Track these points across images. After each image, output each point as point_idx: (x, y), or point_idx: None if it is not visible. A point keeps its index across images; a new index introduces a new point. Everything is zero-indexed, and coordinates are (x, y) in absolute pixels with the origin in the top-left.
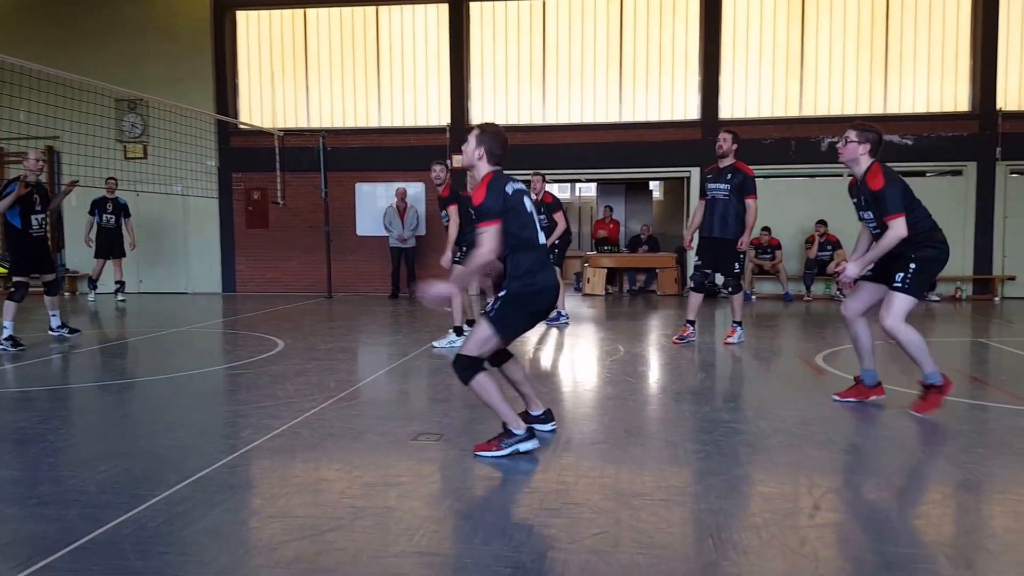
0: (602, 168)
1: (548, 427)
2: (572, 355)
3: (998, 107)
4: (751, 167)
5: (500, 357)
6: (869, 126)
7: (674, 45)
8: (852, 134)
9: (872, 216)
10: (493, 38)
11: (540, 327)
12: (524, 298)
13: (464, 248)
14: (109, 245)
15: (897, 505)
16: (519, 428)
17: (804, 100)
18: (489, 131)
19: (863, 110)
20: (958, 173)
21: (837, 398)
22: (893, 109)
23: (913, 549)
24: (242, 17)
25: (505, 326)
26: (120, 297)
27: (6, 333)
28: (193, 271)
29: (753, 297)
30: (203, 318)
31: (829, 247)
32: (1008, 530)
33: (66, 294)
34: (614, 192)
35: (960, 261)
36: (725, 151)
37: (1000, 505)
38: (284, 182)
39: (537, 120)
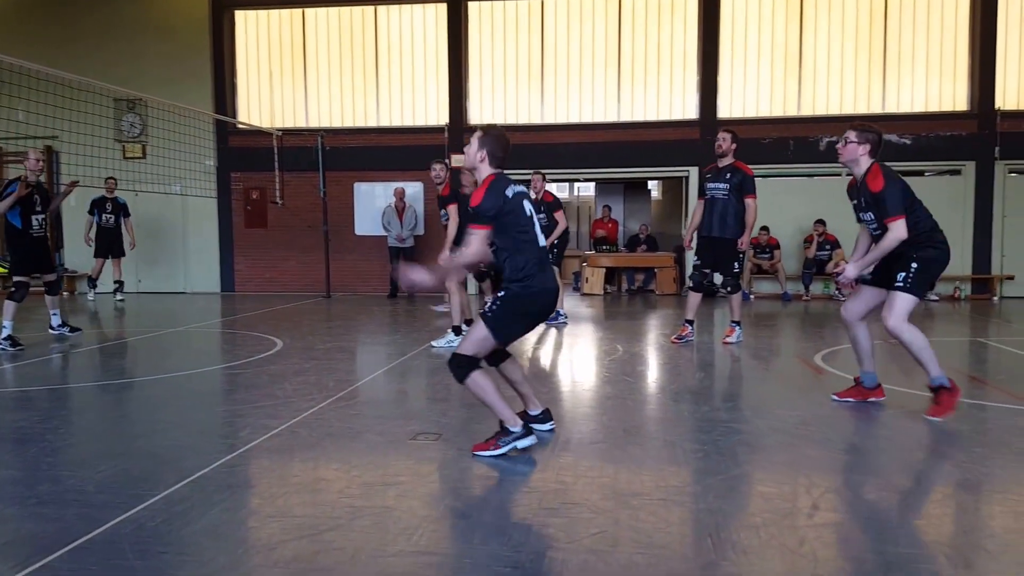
0: (600, 168)
1: (547, 427)
2: (571, 355)
3: (997, 106)
4: (750, 167)
5: (498, 357)
6: (869, 126)
7: (672, 44)
8: (852, 134)
9: (872, 217)
10: (492, 38)
11: (539, 327)
12: (522, 299)
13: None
14: (109, 245)
15: (896, 505)
16: (515, 425)
17: (802, 99)
18: (491, 133)
19: (862, 109)
20: (957, 172)
21: (836, 398)
22: (892, 108)
23: (912, 549)
24: (240, 17)
25: (502, 327)
26: (119, 297)
27: (5, 333)
28: (192, 271)
29: (751, 297)
30: (201, 318)
31: (828, 246)
32: (1007, 530)
33: (65, 293)
34: (612, 192)
35: (959, 261)
36: (724, 150)
37: (999, 505)
38: (283, 182)
39: (536, 120)
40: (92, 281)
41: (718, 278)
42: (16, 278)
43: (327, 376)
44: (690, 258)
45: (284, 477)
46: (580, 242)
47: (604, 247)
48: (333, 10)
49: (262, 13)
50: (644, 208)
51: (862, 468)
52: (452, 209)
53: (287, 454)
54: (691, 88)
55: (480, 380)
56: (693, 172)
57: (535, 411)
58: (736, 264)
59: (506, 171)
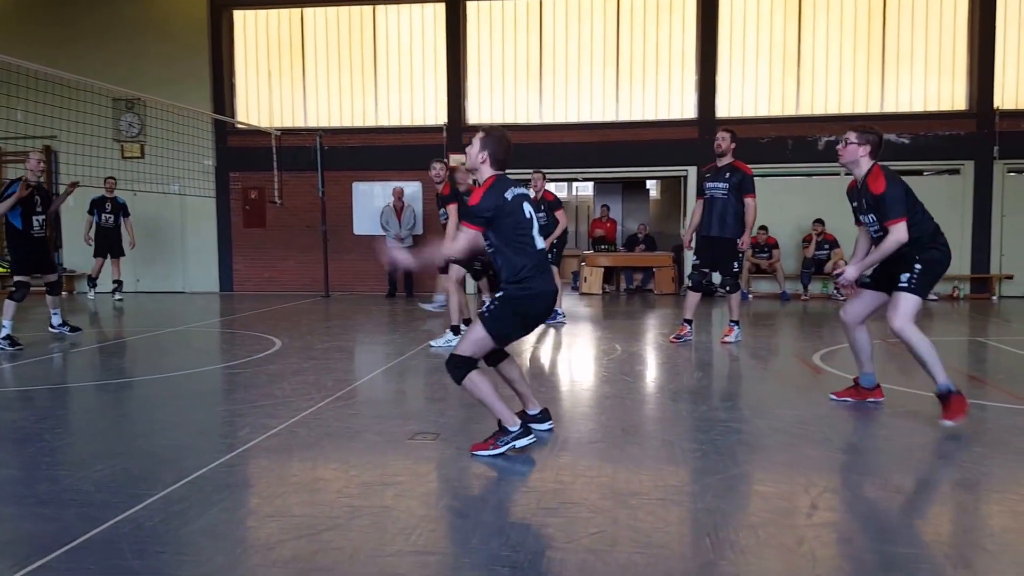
0: (599, 167)
1: (545, 426)
2: (569, 354)
3: (995, 106)
4: (749, 166)
5: (496, 356)
6: (869, 128)
7: (671, 44)
8: (852, 136)
9: (874, 220)
10: (490, 37)
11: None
12: (520, 302)
13: None
14: (108, 244)
15: (895, 504)
16: (514, 425)
17: (801, 99)
18: (493, 135)
19: (860, 109)
20: (955, 172)
21: (834, 397)
22: (890, 108)
23: (911, 548)
24: (239, 16)
25: (499, 329)
26: (117, 296)
27: (4, 332)
28: (190, 270)
29: (750, 296)
30: (200, 317)
31: (826, 246)
32: (1007, 529)
33: (64, 293)
34: (611, 191)
35: (958, 260)
36: (724, 150)
37: (998, 504)
38: (281, 181)
39: (534, 119)
40: (92, 281)
41: (717, 277)
42: (17, 278)
43: (325, 376)
44: (689, 258)
45: (283, 477)
46: (579, 242)
47: (602, 246)
48: (332, 10)
49: (261, 13)
50: (642, 208)
51: (861, 467)
52: (452, 209)
53: (286, 454)
54: (690, 87)
55: (478, 381)
56: (692, 172)
57: (533, 410)
58: (735, 264)
59: (505, 171)
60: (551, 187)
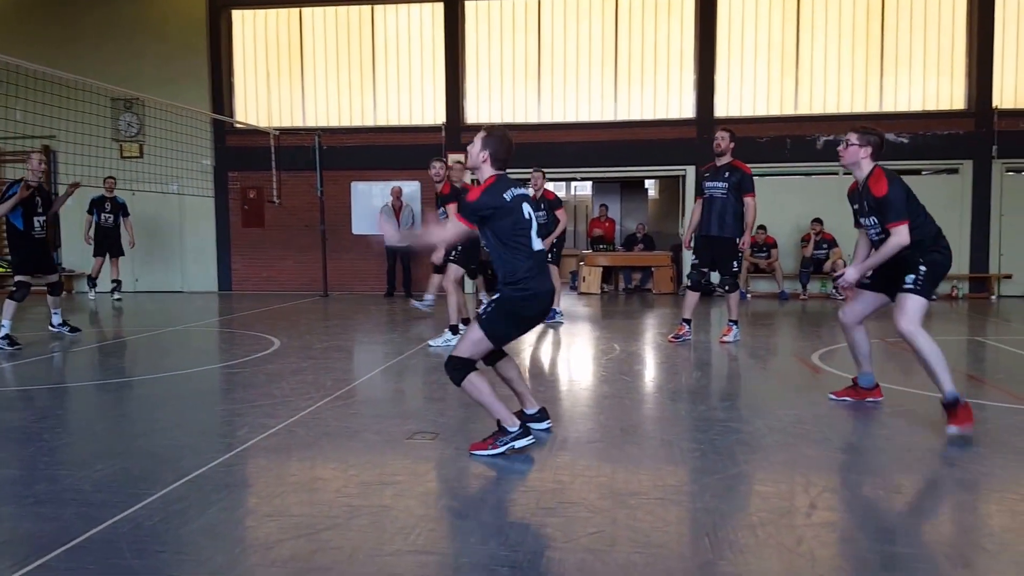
0: (597, 167)
1: (543, 425)
2: (568, 354)
3: (994, 105)
4: (748, 165)
5: (494, 356)
6: (871, 129)
7: (669, 43)
8: (853, 137)
9: (875, 222)
10: (488, 37)
11: (536, 326)
12: (517, 303)
13: (459, 247)
14: (108, 244)
15: (894, 504)
16: (513, 425)
17: (799, 98)
18: (495, 135)
19: (859, 108)
20: (954, 171)
21: (833, 397)
22: (889, 107)
23: (910, 548)
24: (238, 16)
25: (497, 330)
26: (116, 296)
27: (3, 332)
28: (189, 270)
29: (748, 296)
30: (199, 317)
31: (825, 245)
32: (1006, 529)
33: (64, 293)
34: (609, 191)
35: (956, 259)
36: (723, 149)
37: (998, 504)
38: (280, 181)
39: (532, 119)
40: (92, 280)
41: (715, 277)
42: (17, 278)
43: (324, 375)
44: (687, 257)
45: (281, 476)
46: (577, 241)
47: (601, 246)
48: (330, 9)
49: (259, 13)
50: (641, 207)
51: (860, 467)
52: (452, 208)
53: (284, 453)
54: (688, 87)
55: (477, 382)
56: (690, 171)
57: (531, 410)
58: (735, 263)
59: (506, 170)
60: (549, 187)
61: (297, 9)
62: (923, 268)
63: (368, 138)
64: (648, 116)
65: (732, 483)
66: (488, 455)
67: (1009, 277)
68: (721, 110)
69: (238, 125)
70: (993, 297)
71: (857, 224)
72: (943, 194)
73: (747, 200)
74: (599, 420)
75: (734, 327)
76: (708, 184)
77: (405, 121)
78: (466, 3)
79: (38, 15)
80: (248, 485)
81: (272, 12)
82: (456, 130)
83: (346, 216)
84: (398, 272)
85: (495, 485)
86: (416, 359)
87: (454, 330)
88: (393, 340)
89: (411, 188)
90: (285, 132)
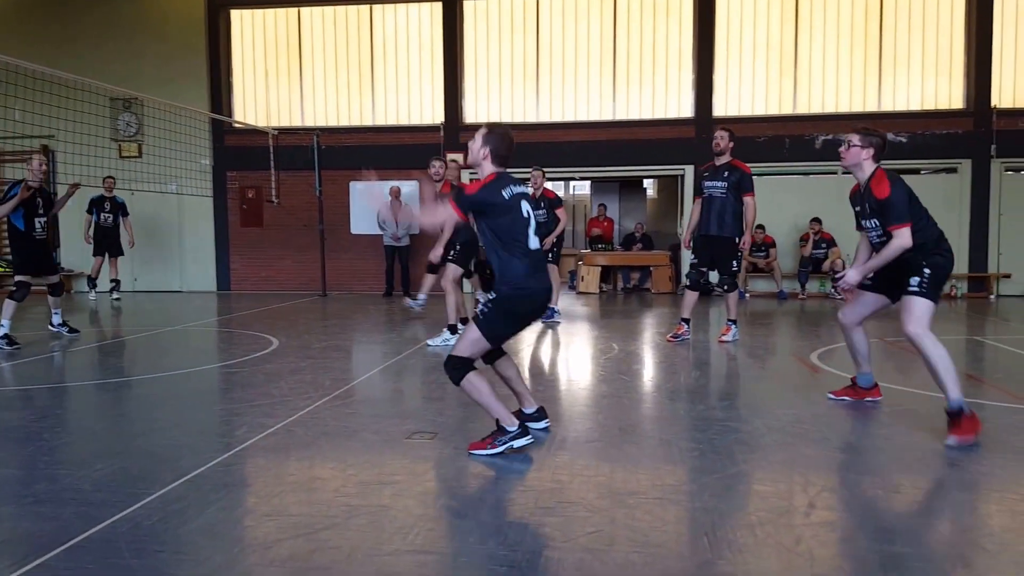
0: (596, 166)
1: (541, 425)
2: (566, 353)
3: (993, 104)
4: (747, 165)
5: (493, 354)
6: (873, 130)
7: (667, 43)
8: (855, 138)
9: (876, 224)
10: (487, 36)
11: (535, 326)
12: (513, 301)
13: (457, 246)
14: (107, 243)
15: (893, 503)
16: (512, 425)
17: (798, 98)
18: (496, 132)
19: (857, 107)
20: (953, 171)
21: (832, 396)
22: (887, 106)
23: (909, 548)
24: (236, 16)
25: (495, 328)
26: (115, 296)
27: (2, 331)
28: (188, 270)
29: (747, 295)
30: (198, 316)
31: (823, 245)
32: (1005, 529)
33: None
34: (608, 190)
35: (955, 259)
36: (722, 149)
37: (997, 504)
38: (278, 181)
39: (531, 118)
40: (91, 280)
41: (714, 276)
42: (18, 277)
43: (323, 375)
44: (686, 257)
45: (280, 476)
46: (576, 241)
47: (600, 246)
48: (329, 9)
49: (258, 12)
50: (640, 207)
51: (859, 466)
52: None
53: (283, 453)
54: (686, 86)
55: (476, 381)
56: (689, 170)
57: (529, 409)
58: (734, 263)
59: (507, 168)
60: (548, 185)
61: (296, 9)
62: (927, 271)
63: (367, 138)
64: (647, 116)
65: (731, 482)
66: (487, 455)
67: (1008, 276)
68: (720, 110)
69: (237, 125)
70: (992, 296)
71: (859, 227)
72: (942, 194)
73: (747, 199)
74: (598, 420)
75: (733, 326)
76: (707, 183)
77: (404, 121)
78: (464, 3)
79: (37, 15)
80: (247, 485)
81: (271, 12)
82: (455, 130)
83: (345, 216)
84: (396, 272)
85: (494, 485)
86: (415, 359)
87: (453, 330)
88: (392, 340)
89: (410, 188)
90: (284, 132)
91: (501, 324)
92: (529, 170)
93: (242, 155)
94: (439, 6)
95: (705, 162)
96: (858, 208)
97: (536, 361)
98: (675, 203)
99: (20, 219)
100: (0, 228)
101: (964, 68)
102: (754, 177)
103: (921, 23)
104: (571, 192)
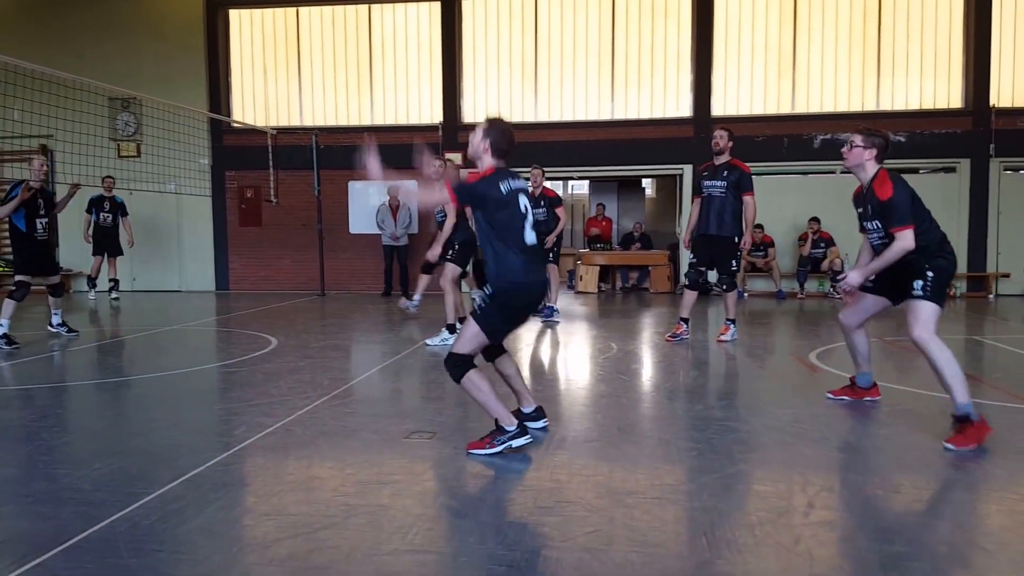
0: (594, 165)
1: (539, 424)
2: (565, 353)
3: (991, 104)
4: (746, 164)
5: (494, 352)
6: (875, 130)
7: (666, 42)
8: (857, 138)
9: (879, 226)
10: (485, 36)
11: (534, 325)
12: (509, 295)
13: (456, 245)
14: (106, 243)
15: (892, 503)
16: (511, 425)
17: (796, 97)
18: (497, 126)
19: (856, 107)
20: (951, 170)
21: (830, 396)
22: (886, 106)
23: (908, 547)
24: (235, 16)
25: (492, 323)
26: (114, 295)
27: (2, 331)
28: (187, 269)
29: (745, 295)
30: (196, 316)
31: (822, 244)
32: (1004, 528)
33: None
34: (606, 190)
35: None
36: (722, 148)
37: (996, 503)
38: (277, 180)
39: (529, 118)
40: (91, 280)
41: (713, 276)
42: (18, 277)
43: (321, 374)
44: (684, 256)
45: (279, 475)
46: (574, 240)
47: (598, 245)
48: (327, 9)
49: (256, 12)
50: (638, 206)
51: (858, 466)
52: (450, 208)
53: (282, 452)
54: (685, 86)
55: (476, 379)
56: (687, 170)
57: (528, 409)
58: (733, 262)
59: (507, 162)
60: (547, 184)
61: (294, 8)
62: (930, 274)
63: (365, 137)
64: (645, 115)
65: (729, 482)
66: (485, 454)
67: (1007, 276)
68: (718, 109)
69: (235, 124)
70: (991, 296)
71: (862, 229)
72: (940, 193)
73: (746, 199)
74: (596, 419)
75: (731, 326)
76: (707, 183)
77: (402, 120)
78: (463, 2)
79: (37, 14)
80: (245, 484)
81: (269, 11)
82: (453, 129)
83: (343, 215)
84: (395, 271)
85: (492, 484)
86: (413, 358)
87: (451, 329)
88: (390, 339)
89: (408, 187)
90: (282, 131)
91: (498, 319)
92: (529, 169)
93: (241, 155)
94: (437, 5)
95: (703, 162)
96: (860, 210)
97: (535, 360)
98: (673, 202)
99: (22, 220)
100: (1, 228)
101: (963, 67)
102: (753, 177)
103: (920, 22)
104: (570, 191)
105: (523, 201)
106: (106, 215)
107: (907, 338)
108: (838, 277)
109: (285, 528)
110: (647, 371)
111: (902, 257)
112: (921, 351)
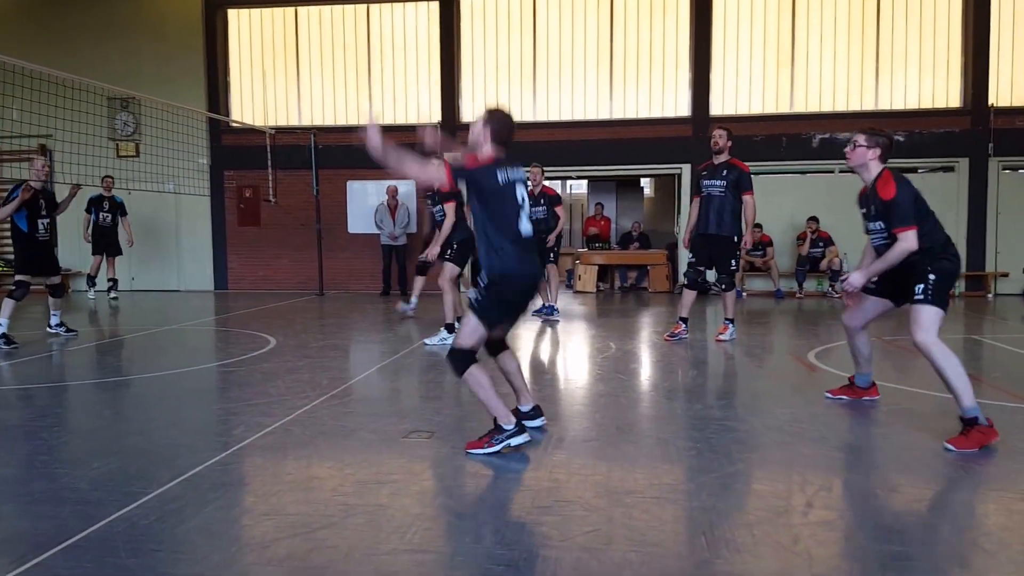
0: (593, 165)
1: (537, 423)
2: (564, 352)
3: (990, 103)
4: (745, 163)
5: (497, 347)
6: (879, 130)
7: (664, 42)
8: (861, 138)
9: (882, 227)
10: (484, 35)
11: (532, 325)
12: (503, 286)
13: (455, 245)
14: (105, 243)
15: (891, 502)
16: (509, 423)
17: (795, 96)
18: (498, 114)
19: (854, 106)
20: (950, 169)
21: (829, 395)
22: (884, 105)
23: (907, 547)
24: (233, 15)
25: (489, 315)
26: (112, 295)
27: (1, 330)
28: (185, 269)
29: (744, 294)
30: (195, 316)
31: (821, 244)
32: (1003, 528)
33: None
34: (605, 189)
35: None
36: (721, 147)
37: (995, 503)
38: (276, 180)
39: (528, 117)
40: (91, 280)
41: (711, 275)
42: (18, 277)
43: (320, 374)
44: (683, 255)
45: (277, 475)
46: (573, 240)
47: (597, 244)
48: (326, 8)
49: (255, 12)
50: (636, 205)
51: (856, 466)
52: (450, 207)
53: (280, 452)
54: (683, 85)
55: (478, 375)
56: (686, 169)
57: (526, 407)
58: (732, 262)
59: (506, 151)
60: (546, 183)
61: (293, 8)
62: (932, 276)
63: (364, 137)
64: (644, 114)
65: (728, 482)
66: (484, 453)
67: (1006, 275)
68: (717, 108)
69: (234, 124)
70: (989, 295)
71: (867, 230)
72: (939, 192)
73: (746, 198)
74: (595, 419)
75: (730, 325)
76: (706, 182)
77: (401, 120)
78: (461, 1)
79: (36, 14)
80: (244, 484)
81: (267, 11)
82: (451, 128)
83: (342, 215)
84: (394, 271)
85: (491, 484)
86: (412, 358)
87: (450, 329)
88: (389, 339)
89: (407, 187)
90: (281, 131)
91: (495, 310)
92: (528, 168)
93: (239, 154)
94: (436, 5)
95: (702, 161)
96: (864, 210)
97: (534, 360)
98: (672, 202)
99: (23, 220)
100: (2, 228)
101: (961, 66)
102: (751, 176)
103: (918, 21)
104: (568, 191)
105: (520, 192)
106: (105, 215)
107: (906, 338)
108: (841, 278)
109: (284, 528)
110: (646, 370)
111: (905, 259)
112: (924, 356)
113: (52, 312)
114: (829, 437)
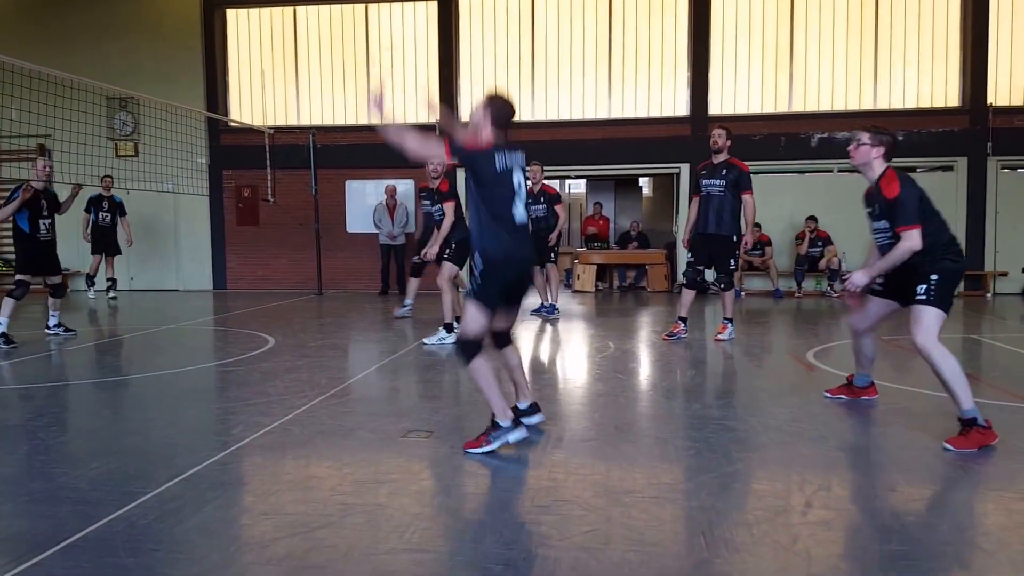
0: (591, 164)
1: (535, 420)
2: (563, 352)
3: (989, 102)
4: (745, 163)
5: (502, 341)
6: (883, 129)
7: (663, 41)
8: (864, 136)
9: (886, 226)
10: (482, 35)
11: (532, 324)
12: (496, 270)
13: (453, 244)
14: (104, 243)
15: (890, 502)
16: (505, 420)
17: (794, 96)
18: (498, 99)
19: (853, 105)
20: (949, 168)
21: (827, 395)
22: (883, 104)
23: (906, 547)
24: (232, 15)
25: (485, 297)
26: (111, 295)
27: (0, 329)
28: (184, 268)
29: (743, 293)
30: (194, 315)
31: (819, 243)
32: (1002, 528)
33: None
34: (604, 188)
35: None
36: (720, 147)
37: (994, 503)
38: (274, 179)
39: (527, 116)
40: (90, 279)
41: (710, 274)
42: (18, 276)
43: (319, 373)
44: (682, 255)
45: (276, 475)
46: (572, 239)
47: (595, 244)
48: (324, 8)
49: (254, 11)
50: (635, 205)
51: (855, 465)
52: (449, 207)
53: (279, 452)
54: (682, 85)
55: (482, 367)
56: (684, 169)
57: (524, 404)
58: (732, 261)
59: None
60: (545, 182)
61: (291, 8)
62: (934, 277)
63: (362, 136)
64: (642, 114)
65: (727, 481)
66: (482, 452)
67: (1004, 275)
68: (715, 108)
69: (233, 124)
70: (988, 295)
71: (873, 230)
72: (938, 192)
73: (745, 198)
74: (594, 418)
75: (729, 325)
76: (705, 182)
77: (399, 119)
78: (460, 1)
79: (36, 14)
80: (243, 483)
81: (266, 11)
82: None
83: (341, 215)
84: (392, 270)
85: (490, 483)
86: (410, 357)
87: (448, 328)
88: (387, 338)
89: (405, 186)
90: (280, 130)
91: (489, 291)
92: (528, 167)
93: (238, 154)
94: (434, 5)
95: (700, 160)
96: (869, 209)
97: (533, 359)
98: (671, 201)
99: (25, 220)
100: (2, 228)
101: (960, 65)
102: (751, 175)
103: (917, 20)
104: (567, 190)
105: (517, 177)
106: (104, 214)
107: (905, 337)
108: (843, 277)
109: (282, 527)
110: (644, 370)
111: (909, 258)
112: (924, 358)
113: (51, 312)
114: (828, 437)
